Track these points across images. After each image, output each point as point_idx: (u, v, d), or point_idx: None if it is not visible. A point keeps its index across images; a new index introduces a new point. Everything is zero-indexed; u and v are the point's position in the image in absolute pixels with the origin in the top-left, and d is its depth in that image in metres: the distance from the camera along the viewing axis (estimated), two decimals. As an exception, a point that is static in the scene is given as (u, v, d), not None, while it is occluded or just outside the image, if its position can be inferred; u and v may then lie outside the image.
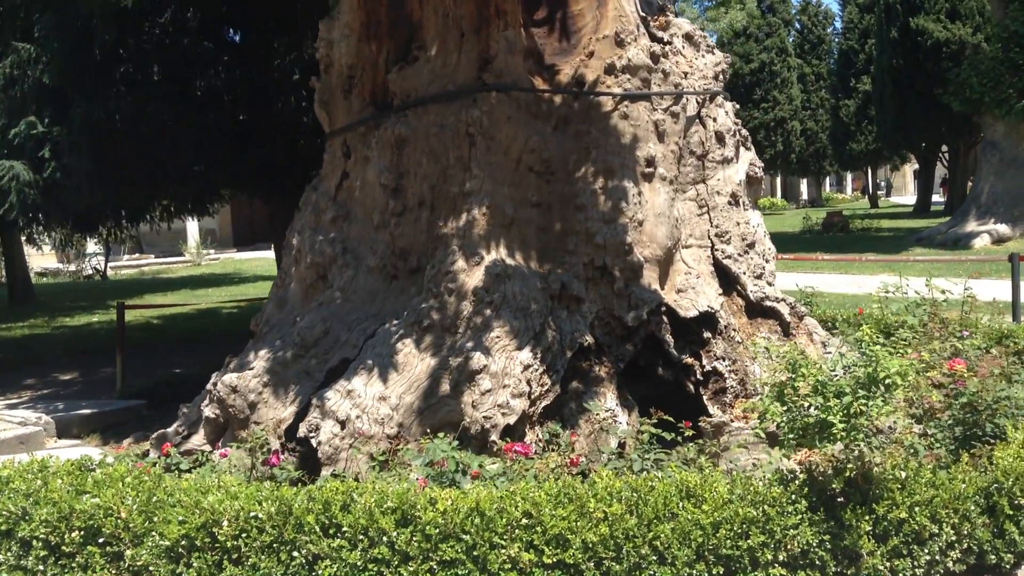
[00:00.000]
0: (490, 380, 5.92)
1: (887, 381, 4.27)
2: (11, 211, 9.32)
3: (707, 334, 6.76)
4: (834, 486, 4.37)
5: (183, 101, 10.13)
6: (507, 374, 5.96)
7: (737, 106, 8.02)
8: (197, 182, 11.13)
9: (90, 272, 35.56)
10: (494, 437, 5.80)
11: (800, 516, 4.33)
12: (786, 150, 55.02)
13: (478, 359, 5.94)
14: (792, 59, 56.04)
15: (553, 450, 5.75)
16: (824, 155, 58.78)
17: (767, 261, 7.54)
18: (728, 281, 7.25)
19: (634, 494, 4.44)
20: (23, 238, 22.62)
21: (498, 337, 6.10)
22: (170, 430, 7.13)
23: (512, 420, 5.84)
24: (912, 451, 5.39)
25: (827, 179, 75.68)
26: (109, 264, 37.32)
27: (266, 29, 11.31)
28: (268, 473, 5.32)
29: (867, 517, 4.35)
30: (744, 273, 7.24)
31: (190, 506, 4.50)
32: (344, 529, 4.32)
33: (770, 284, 7.31)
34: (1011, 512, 4.54)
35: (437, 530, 4.26)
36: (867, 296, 10.72)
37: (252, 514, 4.40)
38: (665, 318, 6.72)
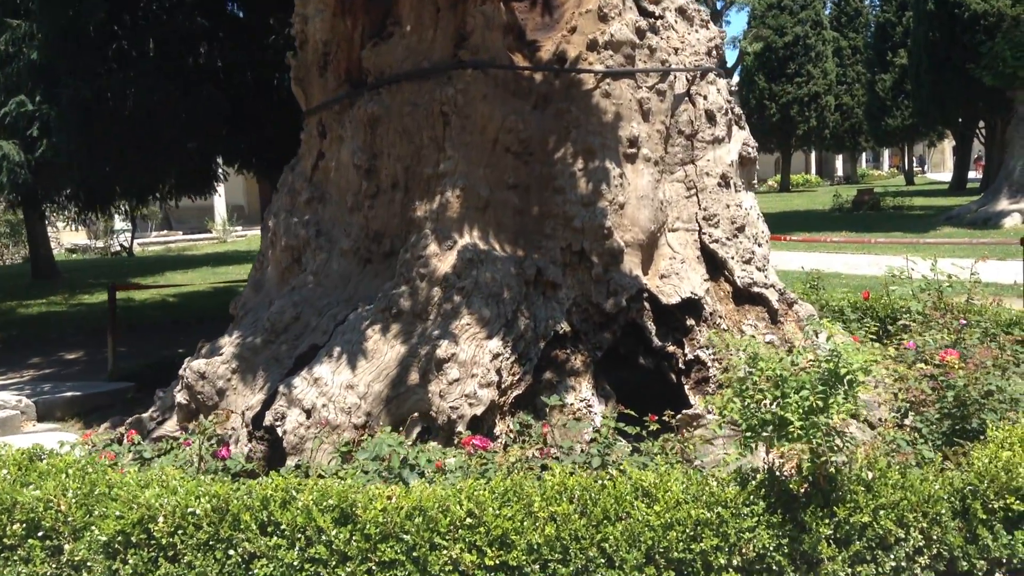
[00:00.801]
0: (458, 369, 5.74)
1: (848, 377, 4.03)
2: (1, 190, 9.23)
3: (690, 321, 6.53)
4: (792, 486, 4.15)
5: (176, 78, 9.98)
6: (476, 363, 5.77)
7: (732, 83, 7.74)
8: (191, 161, 11.00)
9: (117, 249, 35.82)
10: (461, 428, 5.62)
11: (757, 518, 4.12)
12: (820, 126, 54.04)
13: (446, 347, 5.76)
14: (827, 32, 54.92)
15: (525, 442, 5.56)
16: (860, 131, 57.76)
17: (759, 245, 7.27)
18: (715, 266, 6.99)
19: (585, 493, 4.25)
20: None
21: (468, 324, 5.90)
22: (146, 415, 7.05)
23: (479, 411, 5.66)
24: (895, 447, 5.15)
25: (863, 155, 74.50)
26: (137, 241, 37.58)
27: (263, 5, 11.12)
28: (221, 465, 5.18)
29: (827, 520, 4.13)
30: (732, 258, 6.97)
31: (127, 500, 4.37)
32: (282, 527, 4.17)
33: (759, 269, 7.04)
34: (984, 517, 4.28)
35: (377, 529, 4.10)
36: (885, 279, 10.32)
37: (189, 510, 4.26)
38: (647, 304, 6.49)
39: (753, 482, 4.23)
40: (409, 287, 6.12)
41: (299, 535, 4.14)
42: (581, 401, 6.02)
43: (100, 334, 14.67)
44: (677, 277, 6.61)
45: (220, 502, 4.26)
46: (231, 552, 4.16)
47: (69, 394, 8.81)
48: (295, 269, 6.91)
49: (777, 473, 4.29)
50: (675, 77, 7.02)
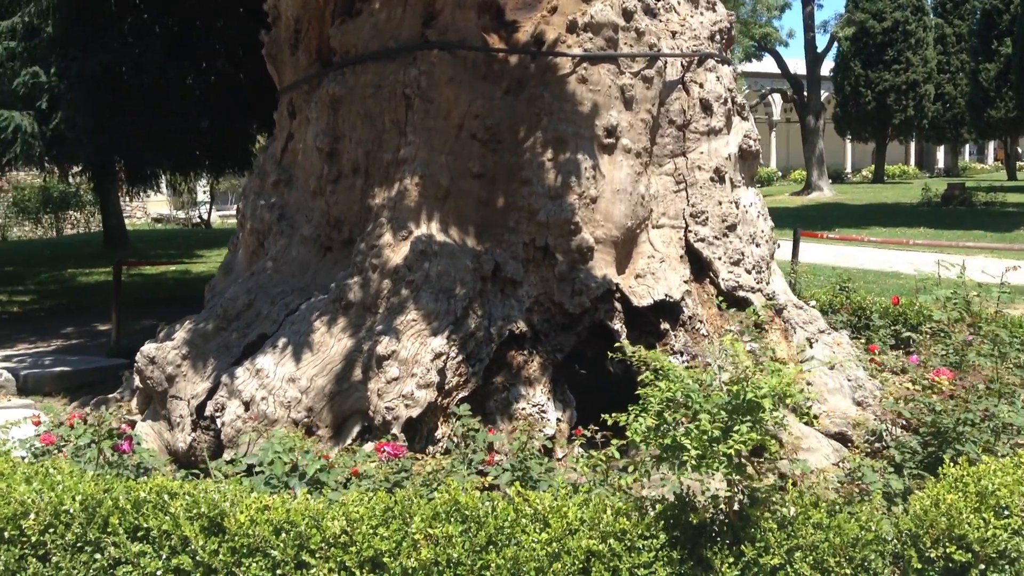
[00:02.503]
0: (398, 367, 5.44)
1: (754, 403, 3.59)
2: (16, 161, 9.26)
3: (665, 325, 6.09)
4: (693, 519, 3.73)
5: (191, 53, 9.85)
6: (417, 362, 5.45)
7: (736, 70, 7.20)
8: (205, 138, 10.87)
9: (197, 220, 36.54)
10: (396, 430, 5.33)
11: (654, 553, 3.71)
12: (918, 115, 51.91)
13: (387, 344, 5.46)
14: (929, 18, 52.66)
15: (469, 448, 5.23)
16: (962, 122, 55.34)
17: (757, 245, 6.76)
18: (701, 267, 6.52)
19: (472, 514, 3.91)
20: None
21: (414, 320, 5.59)
22: (111, 396, 6.94)
23: (415, 413, 5.35)
24: (858, 476, 4.68)
25: (967, 147, 71.50)
26: (219, 213, 38.30)
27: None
28: (132, 460, 4.98)
29: (733, 560, 3.71)
30: (719, 258, 6.49)
31: (3, 494, 4.20)
32: (152, 533, 3.94)
33: (750, 272, 6.53)
34: (920, 567, 3.79)
35: (245, 542, 3.84)
36: (948, 281, 9.41)
37: (63, 507, 4.07)
38: (618, 305, 6.07)
39: (652, 512, 3.83)
40: (361, 278, 5.84)
41: (166, 543, 3.91)
42: (534, 407, 5.65)
43: (141, 307, 14.82)
44: (653, 277, 6.16)
45: (92, 502, 4.05)
46: (97, 556, 3.96)
47: (58, 369, 8.76)
48: (261, 253, 6.69)
49: (688, 501, 3.88)
50: (666, 63, 6.55)
